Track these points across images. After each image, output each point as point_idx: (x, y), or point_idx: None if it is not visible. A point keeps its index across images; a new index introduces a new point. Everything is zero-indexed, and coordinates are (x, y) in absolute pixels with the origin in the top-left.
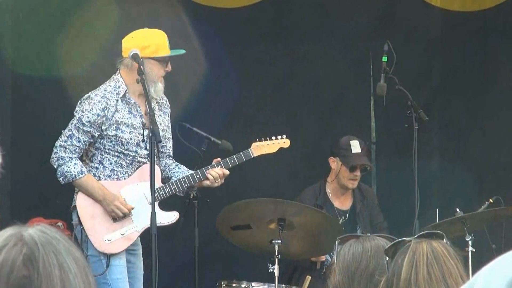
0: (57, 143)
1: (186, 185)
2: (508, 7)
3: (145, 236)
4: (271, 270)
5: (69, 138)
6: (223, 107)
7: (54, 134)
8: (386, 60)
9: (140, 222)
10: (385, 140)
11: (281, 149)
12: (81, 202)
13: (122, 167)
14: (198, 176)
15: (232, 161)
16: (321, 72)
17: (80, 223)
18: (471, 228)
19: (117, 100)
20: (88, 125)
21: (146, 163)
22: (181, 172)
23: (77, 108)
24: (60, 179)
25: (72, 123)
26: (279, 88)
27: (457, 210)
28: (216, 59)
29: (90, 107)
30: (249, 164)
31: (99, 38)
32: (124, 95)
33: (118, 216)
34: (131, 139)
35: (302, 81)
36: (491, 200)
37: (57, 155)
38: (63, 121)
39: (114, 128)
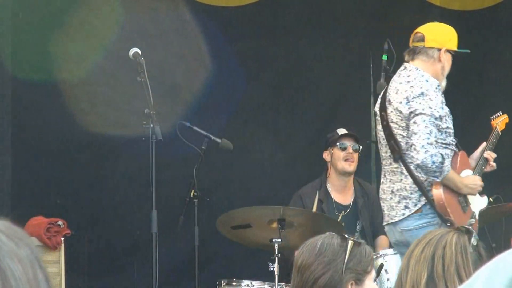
0: (422, 142)
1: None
2: (508, 5)
3: (145, 235)
4: (271, 269)
5: (430, 135)
6: (224, 106)
7: (54, 133)
8: (386, 59)
9: (476, 209)
10: None
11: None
12: (447, 197)
13: (448, 157)
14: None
15: (494, 140)
16: (321, 71)
17: (448, 220)
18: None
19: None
20: (439, 120)
21: (457, 151)
22: None
23: (419, 106)
24: (439, 176)
25: (424, 120)
26: (279, 87)
27: None
28: (218, 57)
29: (435, 101)
30: (248, 162)
31: (100, 38)
32: (437, 87)
33: (479, 191)
34: (452, 129)
35: (302, 79)
36: (490, 199)
37: (430, 153)
38: (62, 121)
39: (445, 121)
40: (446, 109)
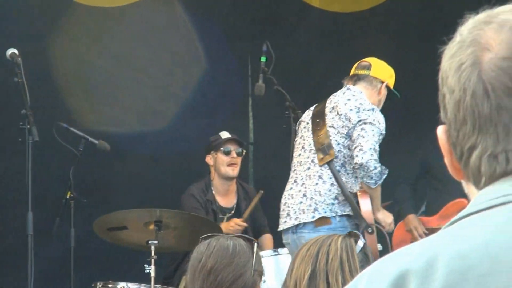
0: (370, 146)
1: None
2: (384, 8)
3: (21, 236)
4: (148, 271)
5: (376, 144)
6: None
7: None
8: (265, 60)
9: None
10: (263, 140)
11: None
12: (369, 206)
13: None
14: None
15: None
16: (199, 72)
17: (371, 228)
18: None
19: None
20: (381, 138)
21: None
22: None
23: (369, 117)
24: (373, 183)
25: (373, 130)
26: (163, 88)
27: None
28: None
29: (383, 120)
30: (128, 163)
31: (94, 38)
32: None
33: (388, 230)
34: None
35: (181, 80)
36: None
37: (374, 157)
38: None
39: None
40: None
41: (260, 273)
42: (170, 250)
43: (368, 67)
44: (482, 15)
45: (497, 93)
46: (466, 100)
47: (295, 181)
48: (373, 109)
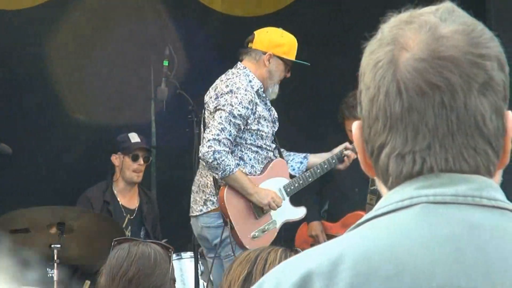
0: (209, 137)
1: (320, 172)
2: (288, 11)
3: None
4: (50, 275)
5: (222, 132)
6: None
7: None
8: (167, 64)
9: (278, 217)
10: (165, 144)
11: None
12: (230, 198)
13: (258, 162)
14: (334, 161)
15: None
16: (101, 75)
17: (227, 222)
18: None
19: (254, 94)
20: (239, 119)
21: (273, 158)
22: (296, 158)
23: (221, 102)
24: (220, 173)
25: (221, 117)
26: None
27: None
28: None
29: (239, 100)
30: (31, 165)
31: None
32: (257, 90)
33: (273, 209)
34: (268, 132)
35: (84, 81)
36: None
37: (212, 149)
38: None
39: (257, 122)
40: (263, 112)
41: (174, 281)
42: (74, 261)
43: (251, 39)
44: (405, 15)
45: (410, 94)
46: (379, 98)
47: (198, 168)
48: (231, 91)
